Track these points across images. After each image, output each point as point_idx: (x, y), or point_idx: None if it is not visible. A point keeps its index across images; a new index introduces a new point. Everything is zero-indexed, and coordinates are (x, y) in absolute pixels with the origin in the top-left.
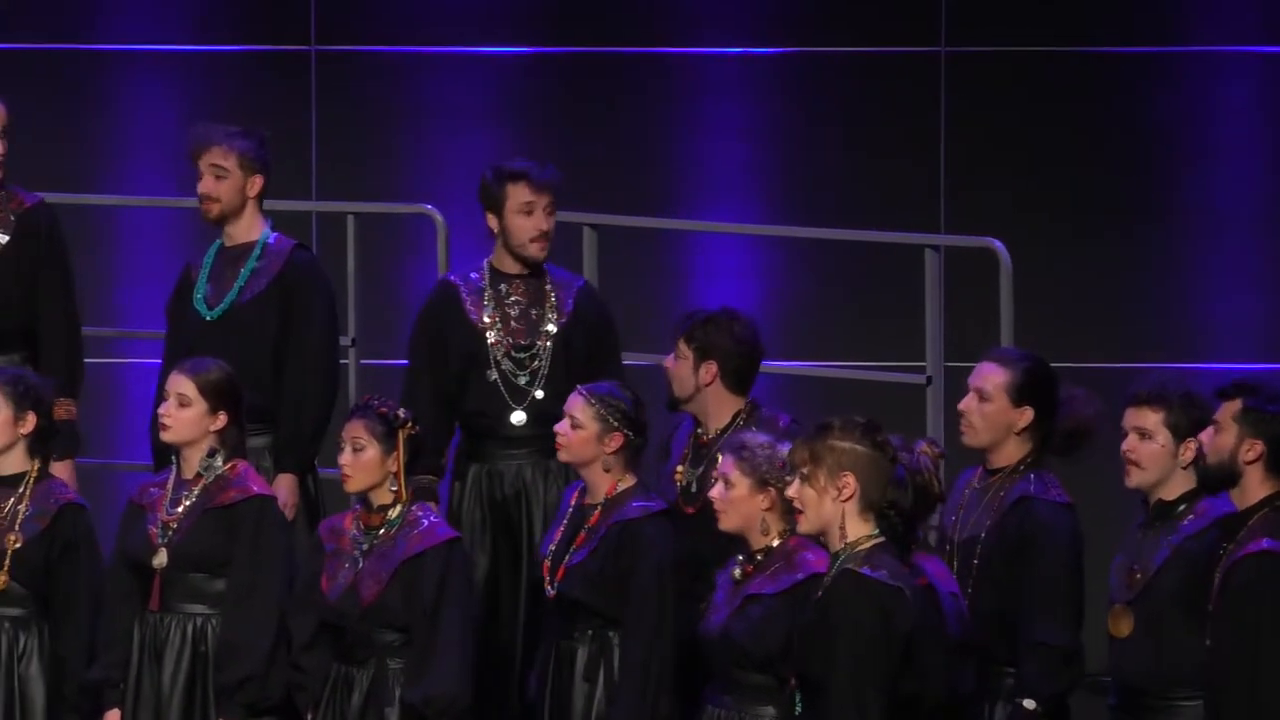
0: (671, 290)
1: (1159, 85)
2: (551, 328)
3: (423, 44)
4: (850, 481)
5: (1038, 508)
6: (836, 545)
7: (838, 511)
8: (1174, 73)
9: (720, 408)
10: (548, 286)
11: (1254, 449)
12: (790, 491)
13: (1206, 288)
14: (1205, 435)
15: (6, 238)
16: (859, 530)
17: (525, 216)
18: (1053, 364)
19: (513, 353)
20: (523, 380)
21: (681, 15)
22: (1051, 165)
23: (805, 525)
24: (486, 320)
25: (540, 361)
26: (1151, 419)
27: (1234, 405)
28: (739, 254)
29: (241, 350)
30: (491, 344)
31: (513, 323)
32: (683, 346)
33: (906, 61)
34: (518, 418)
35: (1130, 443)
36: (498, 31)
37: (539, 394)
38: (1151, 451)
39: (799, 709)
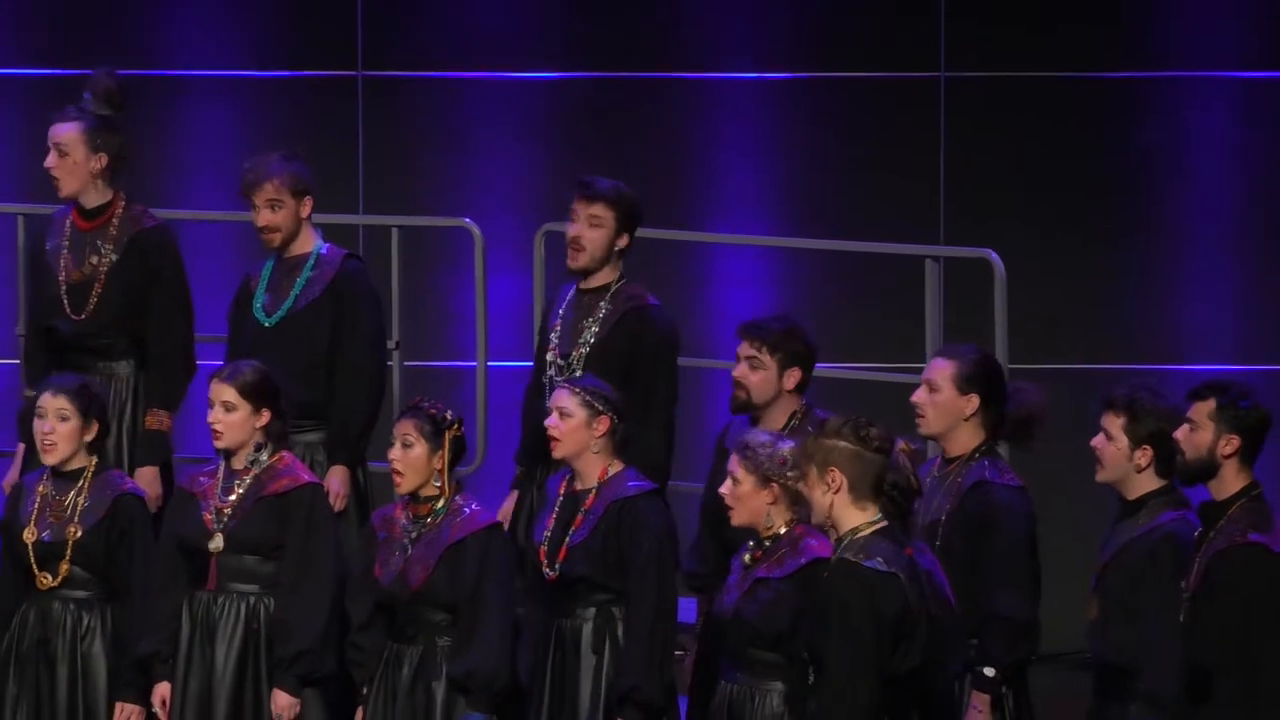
0: (691, 296)
1: (1141, 109)
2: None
3: (461, 70)
4: (837, 475)
5: (994, 491)
6: (837, 533)
7: (829, 502)
8: (1155, 98)
9: (784, 410)
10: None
11: (1230, 443)
12: (801, 488)
13: (1182, 297)
14: (1182, 433)
15: (117, 256)
16: (854, 519)
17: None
18: (1041, 364)
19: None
20: None
21: (701, 43)
22: (1043, 183)
23: (812, 518)
24: None
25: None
26: (1115, 423)
27: (1208, 404)
28: (753, 263)
29: (297, 354)
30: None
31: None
32: (764, 355)
33: (908, 86)
34: None
35: (1097, 441)
36: (531, 58)
37: None
38: (1111, 452)
39: (812, 678)
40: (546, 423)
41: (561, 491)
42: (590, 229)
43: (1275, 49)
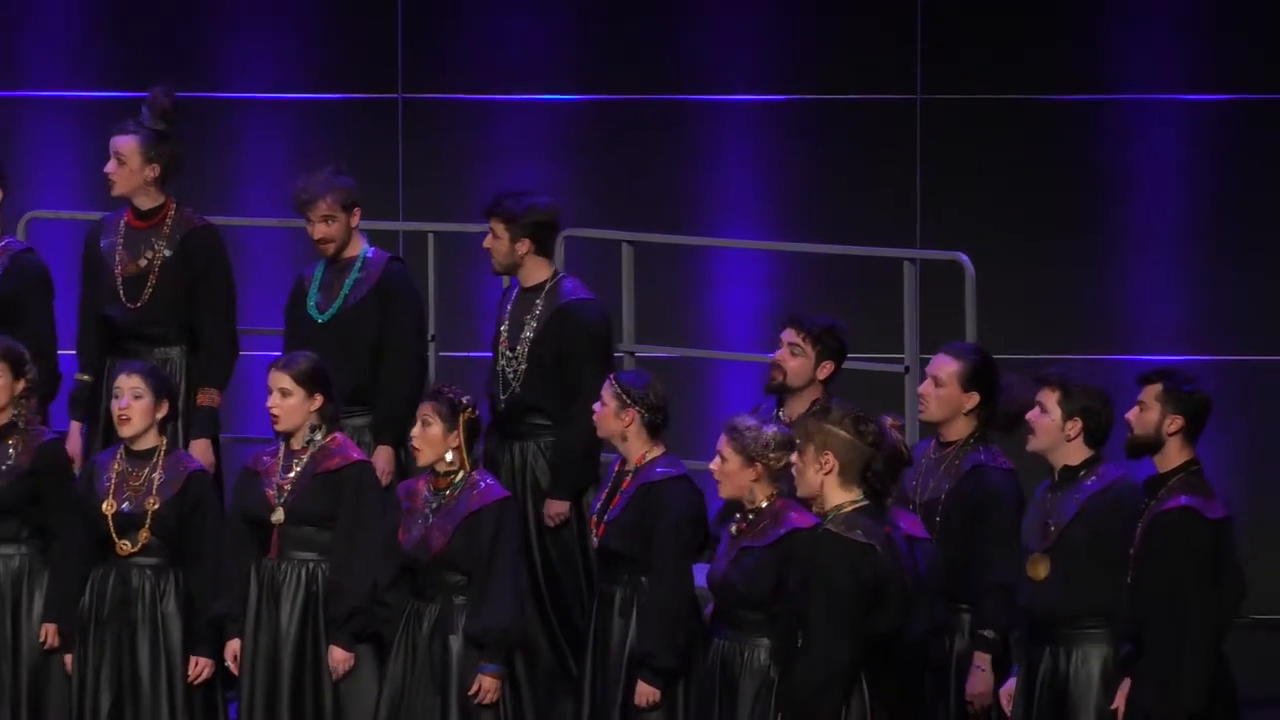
0: (696, 295)
1: (1098, 128)
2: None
3: (490, 93)
4: (830, 459)
5: (989, 474)
6: (821, 508)
7: (817, 481)
8: (1110, 118)
9: (808, 398)
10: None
11: (1175, 423)
12: (792, 459)
13: (1134, 294)
14: (1132, 414)
15: (170, 252)
16: (839, 497)
17: None
18: (1007, 355)
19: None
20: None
21: (706, 70)
22: (1009, 193)
23: (800, 489)
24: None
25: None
26: (1050, 397)
27: (1155, 388)
28: (750, 265)
29: (347, 347)
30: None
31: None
32: (806, 345)
33: (889, 107)
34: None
35: (1032, 414)
36: (553, 83)
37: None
38: (1045, 424)
39: (801, 640)
40: (593, 406)
41: (615, 470)
42: (492, 239)
43: (1214, 76)
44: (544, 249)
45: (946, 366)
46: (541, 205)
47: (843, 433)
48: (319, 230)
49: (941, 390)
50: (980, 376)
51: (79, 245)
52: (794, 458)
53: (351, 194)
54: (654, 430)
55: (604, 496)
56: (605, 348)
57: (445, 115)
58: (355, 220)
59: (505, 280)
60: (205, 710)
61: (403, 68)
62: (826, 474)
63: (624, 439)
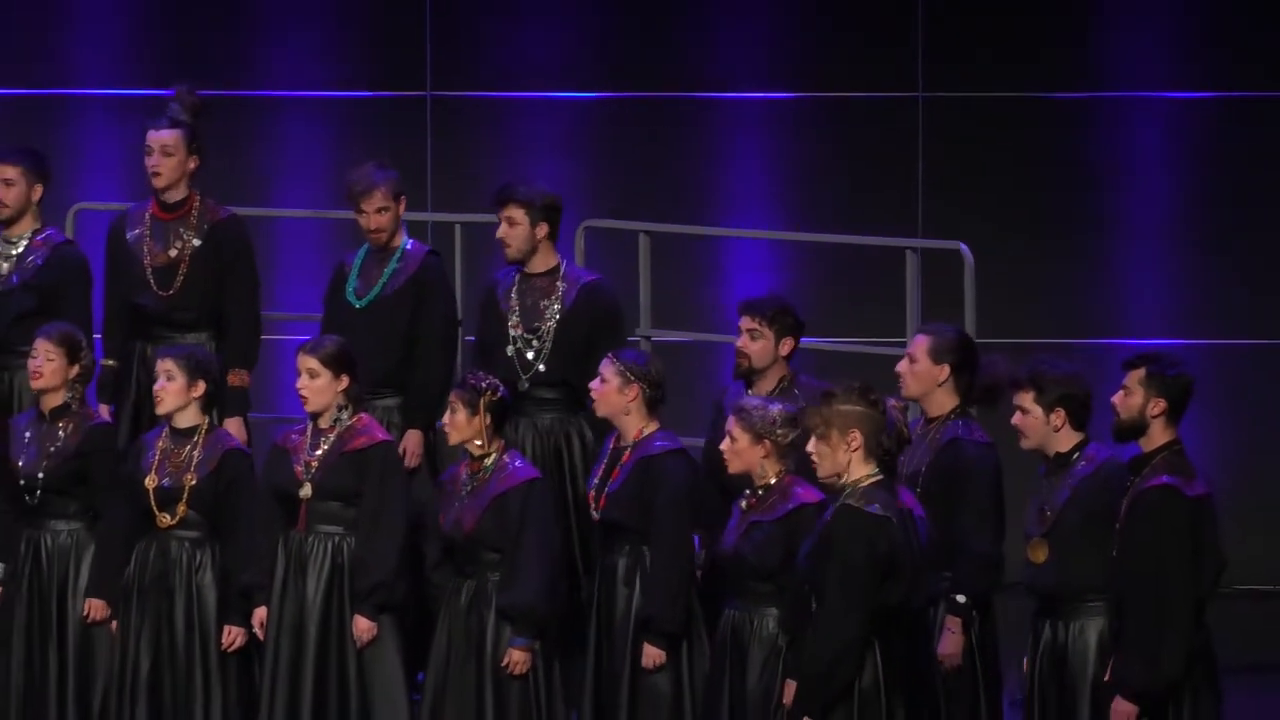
0: (709, 281)
1: (1090, 124)
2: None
3: (513, 91)
4: (857, 436)
5: (966, 447)
6: (840, 482)
7: (848, 459)
8: (1101, 114)
9: (775, 375)
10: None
11: (1158, 405)
12: (809, 448)
13: (1123, 282)
14: (1117, 398)
15: (199, 242)
16: (859, 471)
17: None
18: (1003, 339)
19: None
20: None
21: (718, 69)
22: (1006, 186)
23: (822, 472)
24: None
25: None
26: (1026, 399)
27: (1139, 372)
28: (761, 254)
29: (381, 332)
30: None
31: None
32: (763, 327)
33: (892, 104)
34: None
35: (1016, 419)
36: (572, 82)
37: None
38: (1030, 423)
39: (814, 604)
40: (590, 385)
41: (610, 447)
42: (509, 227)
43: (1198, 76)
44: (554, 233)
45: (919, 343)
46: (550, 191)
47: (861, 408)
48: (374, 220)
49: (915, 366)
50: (951, 350)
51: None
52: (812, 444)
53: (400, 185)
54: (653, 406)
55: (601, 471)
56: (624, 324)
57: (471, 112)
58: (403, 210)
59: (499, 272)
60: (239, 676)
61: (431, 68)
62: (854, 451)
63: (626, 413)
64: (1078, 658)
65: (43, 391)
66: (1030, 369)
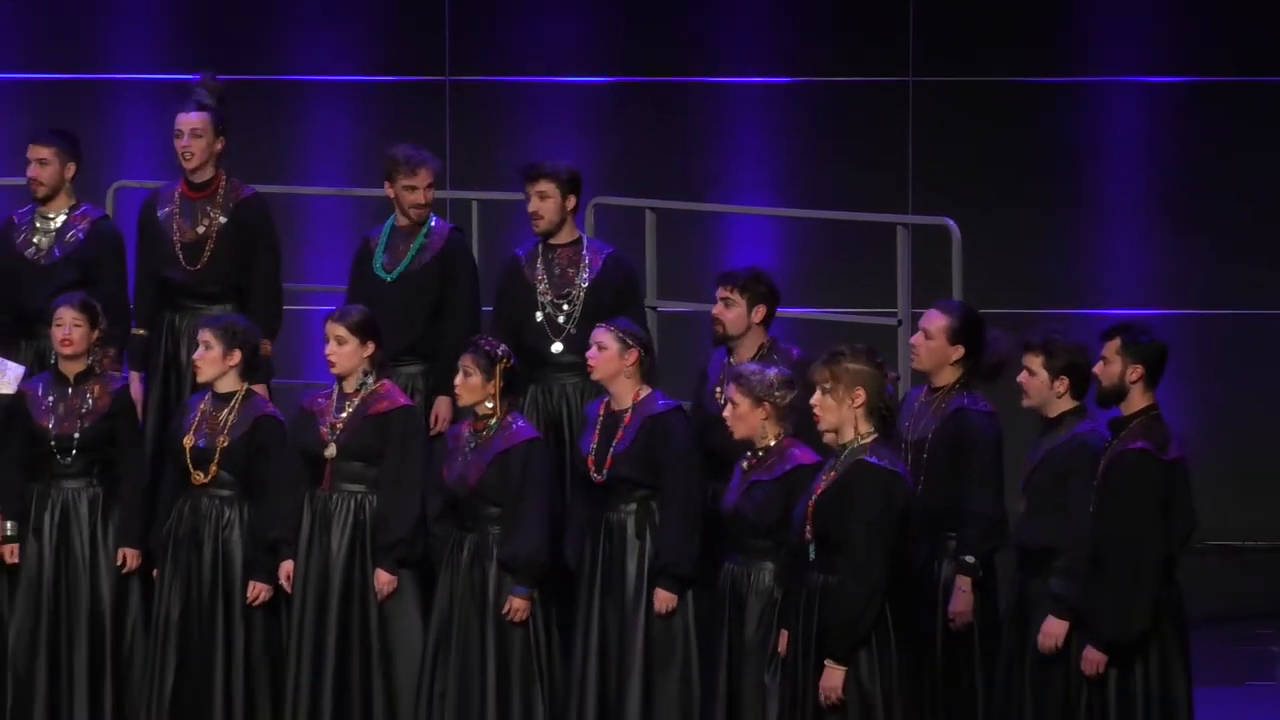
0: (709, 255)
1: (1070, 106)
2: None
3: (528, 76)
4: (861, 393)
5: (970, 416)
6: (847, 438)
7: (851, 415)
8: (1081, 97)
9: (753, 342)
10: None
11: (1135, 371)
12: (812, 401)
13: (1101, 256)
14: (1098, 367)
15: (225, 219)
16: (863, 428)
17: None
18: (987, 309)
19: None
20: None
21: (721, 54)
22: (991, 165)
23: (824, 425)
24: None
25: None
26: (1036, 361)
27: (1115, 342)
28: (760, 229)
29: (409, 304)
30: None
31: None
32: (736, 295)
33: (884, 88)
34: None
35: (1022, 377)
36: (583, 67)
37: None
38: (1034, 384)
39: (812, 555)
40: (587, 354)
41: (601, 413)
42: (540, 201)
43: (1171, 62)
44: (577, 207)
45: (936, 321)
46: (574, 166)
47: (867, 367)
48: (426, 195)
49: (931, 342)
50: (966, 331)
51: None
52: (817, 398)
53: (439, 168)
54: (647, 370)
55: (595, 436)
56: (641, 291)
57: (487, 96)
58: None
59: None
60: (265, 630)
61: (450, 54)
62: (858, 408)
63: (625, 378)
64: (1037, 611)
65: (71, 356)
66: (1044, 334)
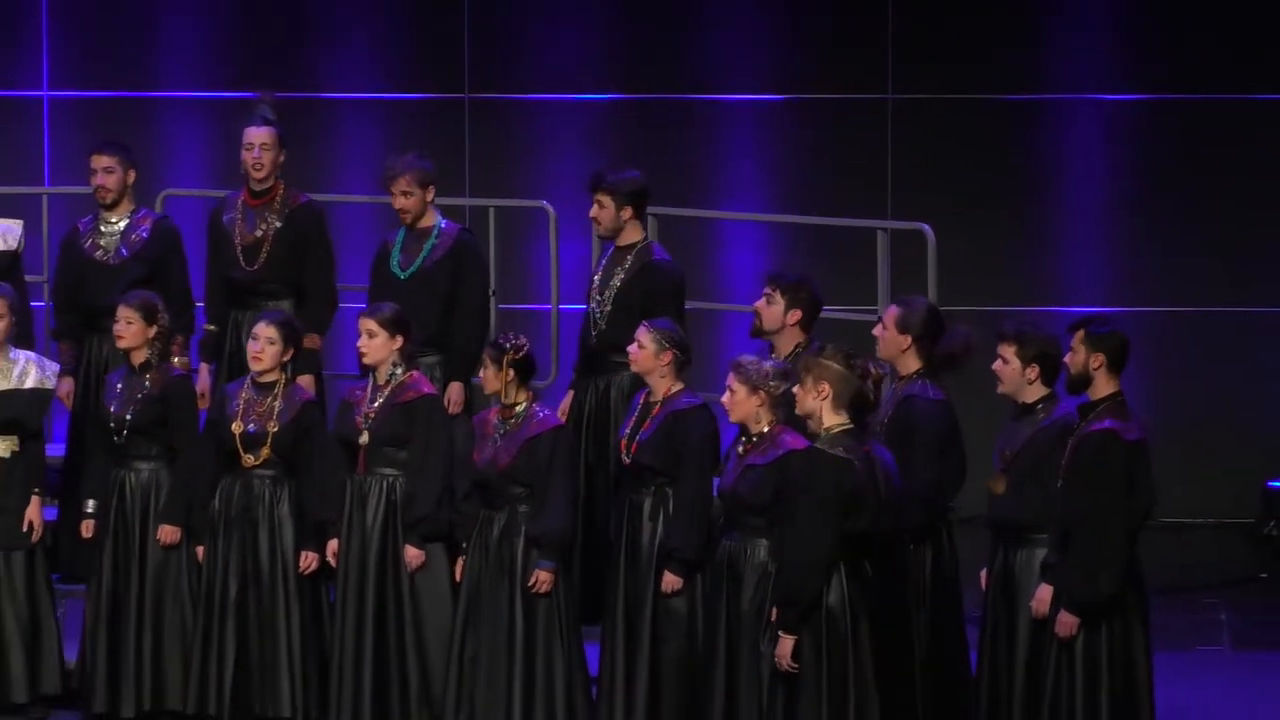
0: (707, 257)
1: (1036, 120)
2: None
3: (541, 93)
4: (825, 388)
5: (916, 403)
6: (816, 428)
7: (818, 406)
8: (1047, 113)
9: (790, 340)
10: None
11: (1098, 360)
12: (795, 388)
13: (1066, 258)
14: (1067, 357)
15: (281, 224)
16: (830, 421)
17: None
18: (961, 306)
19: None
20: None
21: (713, 74)
22: (964, 174)
23: (799, 411)
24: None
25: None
26: (1009, 350)
27: (1080, 334)
28: (753, 233)
29: (423, 299)
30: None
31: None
32: (778, 295)
33: (866, 105)
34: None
35: (996, 365)
36: (591, 86)
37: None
38: (1008, 372)
39: (789, 536)
40: (629, 349)
41: (641, 402)
42: (599, 209)
43: (1129, 82)
44: (640, 214)
45: (889, 313)
46: (637, 177)
47: (836, 366)
48: (398, 202)
49: (886, 333)
50: (916, 322)
51: (203, 216)
52: (796, 387)
53: (427, 175)
54: (680, 369)
55: (632, 424)
56: (682, 299)
57: (503, 112)
58: (430, 196)
59: (596, 249)
60: (312, 596)
61: (469, 74)
62: (822, 400)
63: (660, 375)
64: (1024, 582)
65: (128, 350)
66: (1016, 326)
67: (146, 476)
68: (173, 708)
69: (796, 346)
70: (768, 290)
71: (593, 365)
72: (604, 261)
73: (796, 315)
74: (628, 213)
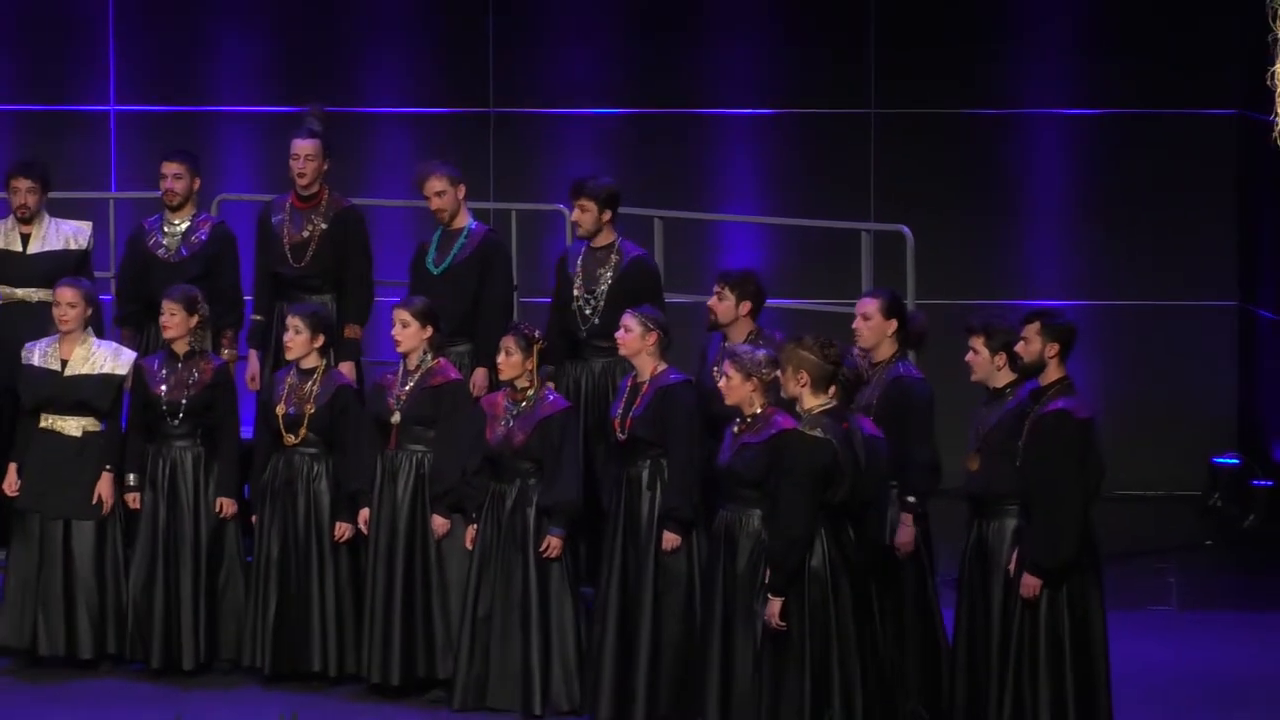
0: (708, 256)
1: (1006, 132)
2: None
3: (558, 108)
4: (804, 374)
5: (906, 382)
6: (803, 408)
7: (799, 390)
8: (1014, 126)
9: (742, 330)
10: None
11: (1052, 348)
12: (779, 374)
13: (1029, 257)
14: (1020, 346)
15: (325, 225)
16: (811, 402)
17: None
18: (937, 300)
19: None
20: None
21: (713, 90)
22: (940, 181)
23: (784, 394)
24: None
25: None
26: (978, 342)
27: (1035, 325)
28: (748, 235)
29: (454, 293)
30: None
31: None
32: (727, 291)
33: (850, 118)
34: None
35: (969, 356)
36: (604, 101)
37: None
38: (979, 362)
39: (773, 509)
40: (616, 335)
41: (629, 384)
42: (581, 213)
43: (1087, 98)
44: (614, 216)
45: (870, 304)
46: (612, 183)
47: (812, 355)
48: (434, 203)
49: (870, 322)
50: (895, 308)
51: (253, 218)
52: (779, 373)
53: (457, 177)
54: (664, 349)
55: (622, 404)
56: (661, 289)
57: (524, 124)
58: (461, 194)
59: (570, 244)
60: (349, 561)
61: (493, 90)
62: (802, 386)
63: (647, 355)
64: (996, 548)
65: (173, 339)
66: (984, 319)
67: (194, 455)
68: (227, 657)
69: (749, 334)
70: (718, 287)
71: (579, 353)
72: (580, 261)
73: (747, 307)
74: (606, 215)
